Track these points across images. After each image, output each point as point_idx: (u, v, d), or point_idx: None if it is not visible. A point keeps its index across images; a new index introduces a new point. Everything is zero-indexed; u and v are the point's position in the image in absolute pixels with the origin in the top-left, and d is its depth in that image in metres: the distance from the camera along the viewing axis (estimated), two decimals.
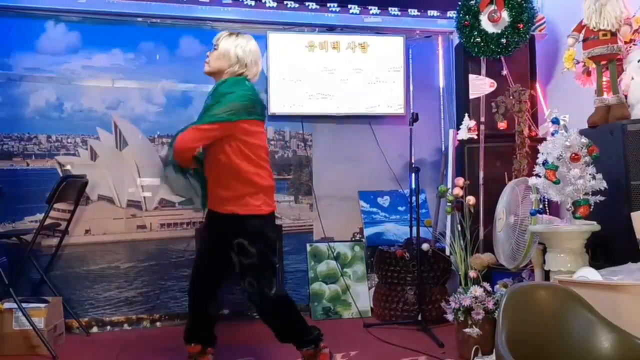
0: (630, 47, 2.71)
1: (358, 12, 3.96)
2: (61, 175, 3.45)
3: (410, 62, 4.08)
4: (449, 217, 3.49)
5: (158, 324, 3.54)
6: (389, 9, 4.03)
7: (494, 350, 1.59)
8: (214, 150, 2.27)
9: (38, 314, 2.93)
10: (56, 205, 3.16)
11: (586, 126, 2.71)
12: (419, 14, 4.10)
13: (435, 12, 4.11)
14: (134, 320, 3.52)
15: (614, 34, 2.62)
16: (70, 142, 3.58)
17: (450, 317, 2.77)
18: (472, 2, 3.44)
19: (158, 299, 3.54)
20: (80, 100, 3.60)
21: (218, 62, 2.33)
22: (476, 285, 2.73)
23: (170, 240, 3.65)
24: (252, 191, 2.27)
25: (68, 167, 3.56)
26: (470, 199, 3.07)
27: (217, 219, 2.35)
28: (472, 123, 3.44)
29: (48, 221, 3.10)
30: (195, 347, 2.47)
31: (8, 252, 3.18)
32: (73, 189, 3.24)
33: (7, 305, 2.92)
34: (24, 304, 2.92)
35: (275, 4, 3.82)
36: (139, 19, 3.68)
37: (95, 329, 3.44)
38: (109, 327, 3.47)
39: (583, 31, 2.73)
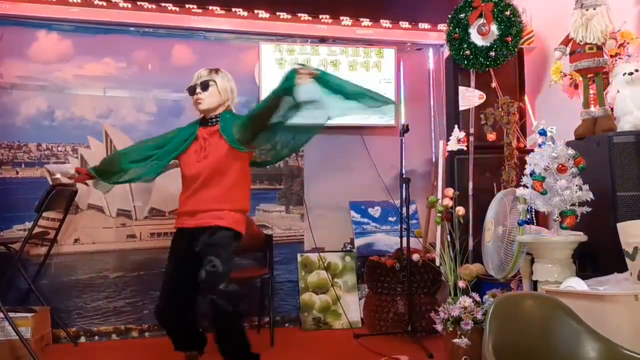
0: (616, 60, 2.75)
1: (350, 24, 4.01)
2: (51, 183, 3.43)
3: (402, 73, 4.12)
4: (438, 227, 3.50)
5: (147, 334, 3.51)
6: (381, 21, 4.08)
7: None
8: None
9: (25, 324, 2.90)
10: (45, 214, 3.15)
11: (573, 138, 2.74)
12: (410, 26, 4.15)
13: (426, 25, 4.16)
14: (123, 330, 3.49)
15: (600, 48, 2.66)
16: (61, 151, 3.57)
17: (439, 327, 2.77)
18: (461, 15, 3.49)
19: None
20: (71, 108, 3.60)
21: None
22: (465, 296, 2.74)
23: (160, 250, 3.62)
24: None
25: (58, 175, 3.53)
26: (460, 210, 3.09)
27: None
28: (462, 134, 3.48)
29: (37, 230, 3.08)
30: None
31: None
32: (62, 197, 3.22)
33: None
34: (11, 314, 2.88)
35: (267, 15, 3.85)
36: (132, 29, 3.70)
37: (83, 339, 3.41)
38: (97, 337, 3.44)
39: (570, 44, 2.76)
